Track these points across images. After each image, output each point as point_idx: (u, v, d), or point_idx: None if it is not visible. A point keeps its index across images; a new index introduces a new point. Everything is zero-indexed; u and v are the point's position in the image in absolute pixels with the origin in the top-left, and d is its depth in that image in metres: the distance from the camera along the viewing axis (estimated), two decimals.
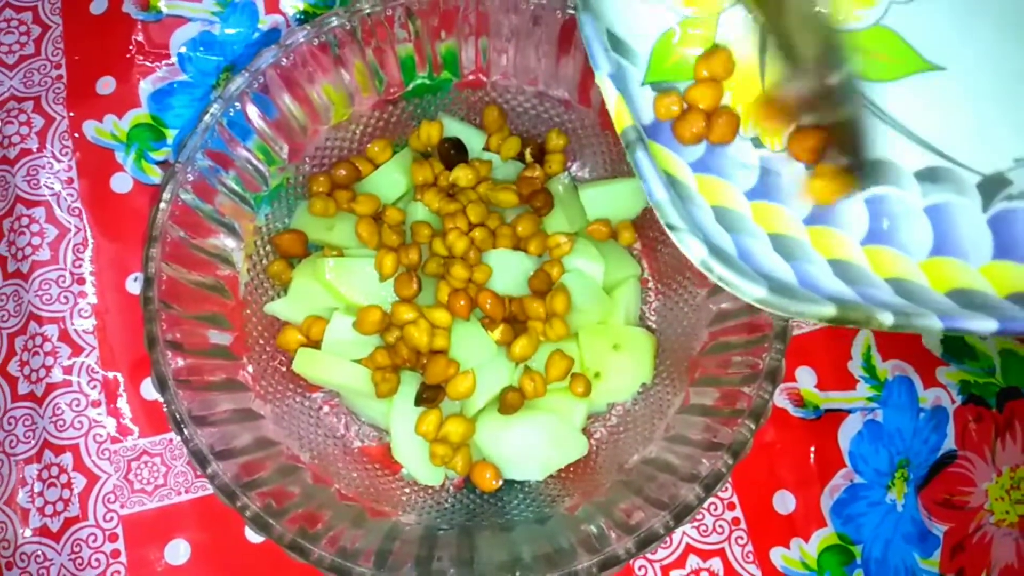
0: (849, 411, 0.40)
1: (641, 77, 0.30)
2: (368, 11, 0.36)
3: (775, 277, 0.25)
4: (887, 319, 0.23)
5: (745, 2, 0.29)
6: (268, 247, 0.38)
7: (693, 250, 0.24)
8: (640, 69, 0.30)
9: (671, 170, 0.28)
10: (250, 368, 0.35)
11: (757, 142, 0.29)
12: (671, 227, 0.24)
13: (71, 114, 0.43)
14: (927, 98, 0.29)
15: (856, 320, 0.24)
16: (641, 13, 0.30)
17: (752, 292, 0.23)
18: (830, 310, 0.23)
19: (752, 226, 0.27)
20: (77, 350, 0.40)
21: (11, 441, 0.39)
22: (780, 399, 0.40)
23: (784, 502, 0.38)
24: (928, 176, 0.28)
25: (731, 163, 0.29)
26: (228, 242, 0.36)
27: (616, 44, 0.29)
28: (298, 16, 0.45)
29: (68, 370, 0.39)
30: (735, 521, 0.38)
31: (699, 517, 0.38)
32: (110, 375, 0.40)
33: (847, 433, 0.39)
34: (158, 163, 0.43)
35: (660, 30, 0.30)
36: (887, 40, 0.30)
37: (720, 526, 0.38)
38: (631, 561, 0.30)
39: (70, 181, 0.42)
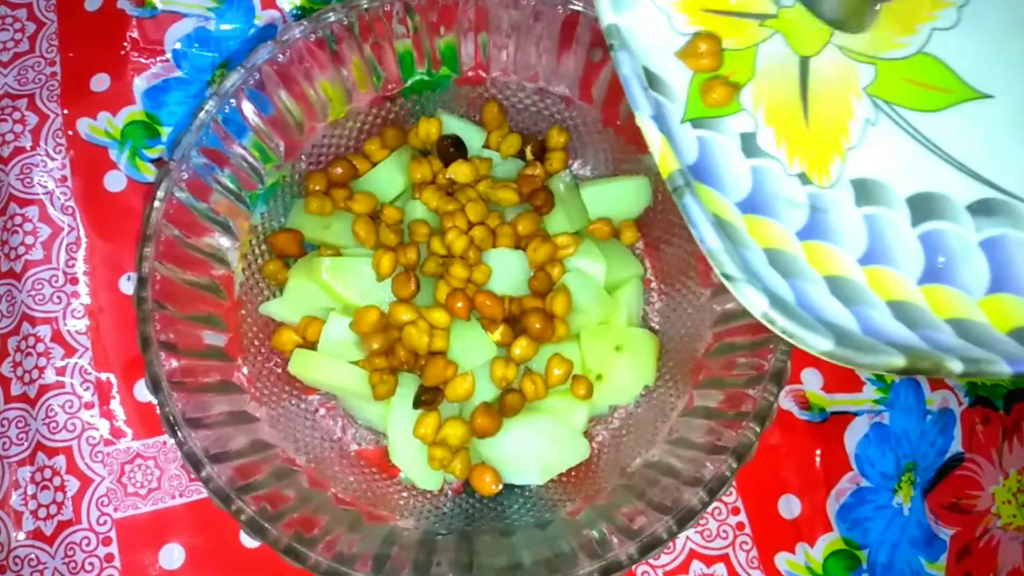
0: (855, 414, 0.39)
1: (680, 114, 0.29)
2: (366, 6, 0.35)
3: (836, 324, 0.24)
4: (956, 367, 0.23)
5: None
6: (264, 246, 0.38)
7: (753, 302, 0.23)
8: (679, 106, 0.29)
9: (719, 212, 0.27)
10: (245, 370, 0.35)
11: (804, 178, 0.29)
12: (728, 277, 0.24)
13: (65, 111, 0.43)
14: (976, 127, 0.29)
15: (925, 369, 0.23)
16: (678, 47, 0.30)
17: (818, 345, 0.23)
18: (899, 361, 0.23)
19: (807, 269, 0.27)
20: (70, 351, 0.39)
21: (4, 443, 0.38)
22: (785, 401, 0.39)
23: (789, 506, 0.38)
24: (981, 209, 0.28)
25: (779, 201, 0.28)
26: (223, 241, 0.36)
27: (653, 81, 0.28)
28: (295, 11, 0.45)
29: (61, 371, 0.39)
30: (739, 526, 0.38)
31: (703, 522, 0.38)
32: (103, 376, 0.39)
33: (853, 436, 0.39)
34: (152, 161, 0.43)
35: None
36: (932, 68, 0.29)
37: (724, 531, 0.37)
38: (633, 567, 0.29)
39: (63, 179, 0.42)
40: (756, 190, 0.28)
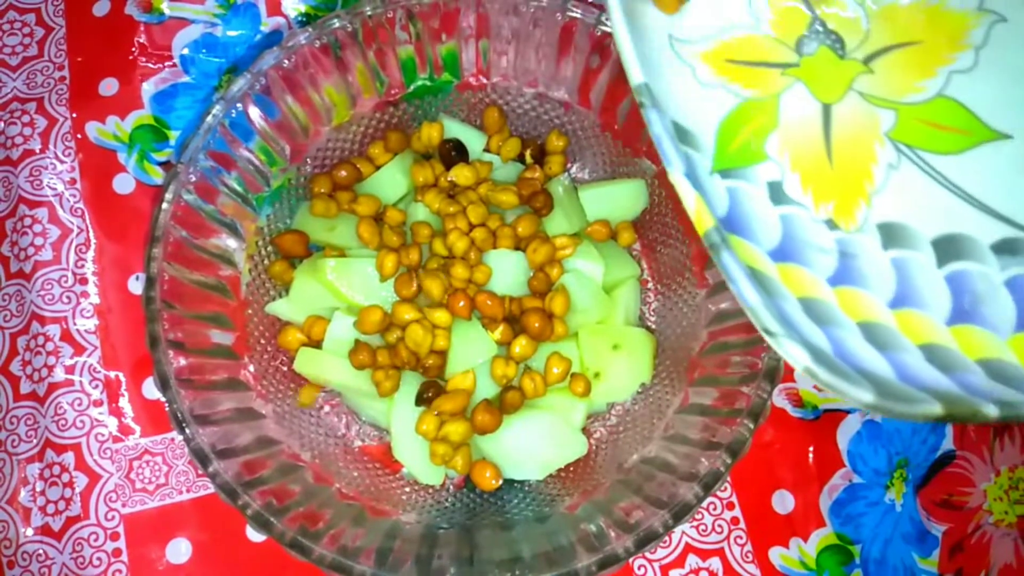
0: (848, 411, 0.40)
1: (709, 165, 0.29)
2: (369, 13, 0.36)
3: (873, 372, 0.24)
4: (992, 412, 0.23)
5: None
6: (269, 247, 0.38)
7: (795, 356, 0.23)
8: (706, 157, 0.29)
9: (753, 263, 0.27)
10: (251, 367, 0.35)
11: (831, 224, 0.29)
12: (768, 332, 0.23)
13: (74, 115, 0.43)
14: (997, 167, 0.29)
15: (963, 416, 0.23)
16: (703, 99, 0.30)
17: (860, 397, 0.23)
18: (938, 409, 0.23)
19: (841, 316, 0.26)
20: (79, 350, 0.40)
21: (13, 440, 0.39)
22: (779, 399, 0.40)
23: (783, 502, 0.39)
24: (1005, 248, 0.28)
25: (809, 248, 0.28)
26: (230, 242, 0.36)
27: (681, 134, 0.28)
28: (300, 18, 0.46)
29: (70, 369, 0.40)
30: (734, 521, 0.38)
31: (698, 516, 0.38)
32: (112, 375, 0.40)
33: (846, 433, 0.39)
34: (160, 164, 0.43)
35: (722, 115, 0.30)
36: (951, 111, 0.30)
37: (719, 525, 0.38)
38: (630, 560, 0.30)
39: (73, 182, 0.42)
40: (786, 238, 0.28)
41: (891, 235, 0.29)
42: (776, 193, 0.29)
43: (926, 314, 0.27)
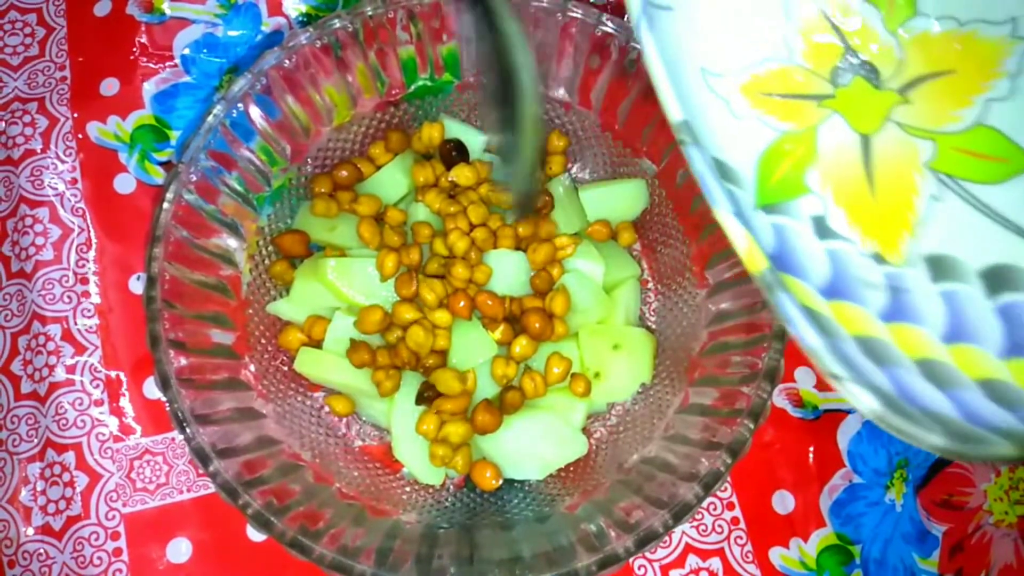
0: (848, 411, 0.40)
1: (752, 201, 0.28)
2: (370, 13, 0.36)
3: (937, 412, 0.24)
4: None
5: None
6: (270, 247, 0.38)
7: (864, 402, 0.22)
8: (748, 193, 0.28)
9: (807, 302, 0.26)
10: (252, 367, 0.36)
11: (879, 258, 0.28)
12: (834, 376, 0.23)
13: (75, 115, 0.43)
14: None
15: None
16: (740, 133, 0.29)
17: (931, 441, 0.22)
18: (1009, 450, 0.22)
19: (898, 354, 0.25)
20: (80, 349, 0.40)
21: (14, 440, 0.39)
22: (779, 399, 0.40)
23: (783, 502, 0.39)
24: None
25: (859, 284, 0.27)
26: (231, 242, 0.36)
27: (722, 170, 0.28)
28: (301, 18, 0.46)
29: (71, 369, 0.40)
30: (734, 521, 0.38)
31: (698, 517, 0.38)
32: (113, 374, 0.40)
33: (846, 433, 0.39)
34: (161, 164, 0.43)
35: (760, 149, 0.29)
36: (990, 139, 0.29)
37: (719, 526, 0.38)
38: (630, 560, 0.30)
39: (74, 182, 0.43)
40: (836, 274, 0.27)
41: (939, 267, 0.28)
42: (821, 228, 0.28)
43: (981, 348, 0.26)
